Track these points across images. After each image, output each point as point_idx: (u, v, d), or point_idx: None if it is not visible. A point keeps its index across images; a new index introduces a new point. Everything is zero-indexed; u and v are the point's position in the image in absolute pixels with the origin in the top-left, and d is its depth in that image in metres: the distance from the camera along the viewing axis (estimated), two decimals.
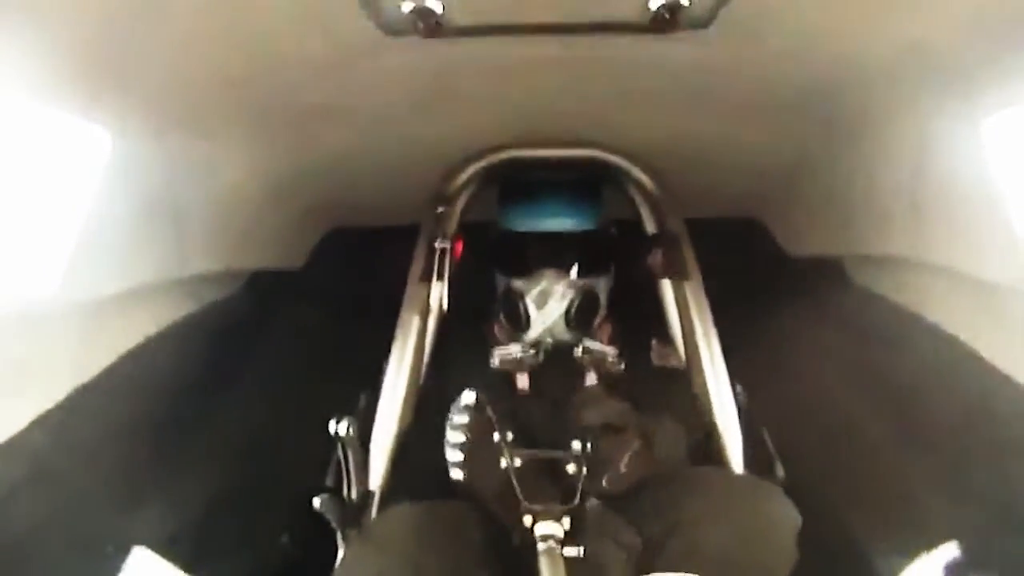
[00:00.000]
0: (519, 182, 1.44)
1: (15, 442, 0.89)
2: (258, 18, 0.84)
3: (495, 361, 1.32)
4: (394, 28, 0.85)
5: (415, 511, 1.05)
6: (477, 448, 1.03)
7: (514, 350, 1.32)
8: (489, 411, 1.04)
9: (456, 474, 1.03)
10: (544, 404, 1.28)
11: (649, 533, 1.00)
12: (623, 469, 1.06)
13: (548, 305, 1.29)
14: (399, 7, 0.80)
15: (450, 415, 1.05)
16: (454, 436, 1.03)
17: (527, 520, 0.96)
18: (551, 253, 1.33)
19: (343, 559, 1.05)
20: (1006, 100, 0.87)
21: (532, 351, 1.31)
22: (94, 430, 1.05)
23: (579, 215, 1.36)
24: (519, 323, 1.32)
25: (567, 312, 1.30)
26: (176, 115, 1.04)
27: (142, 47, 0.85)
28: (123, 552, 1.00)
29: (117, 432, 1.11)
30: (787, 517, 0.99)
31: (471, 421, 1.03)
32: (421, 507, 1.06)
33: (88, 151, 0.94)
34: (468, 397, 1.05)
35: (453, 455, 1.03)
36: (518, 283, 1.33)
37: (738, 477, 1.19)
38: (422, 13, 0.81)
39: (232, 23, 0.84)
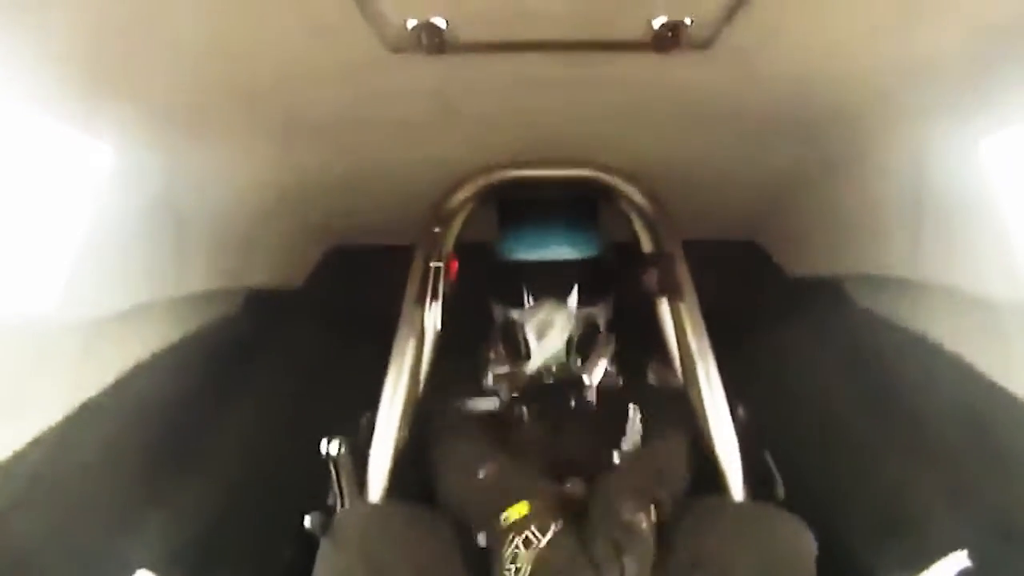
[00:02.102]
0: (518, 211, 1.44)
1: (14, 461, 0.88)
2: (261, 32, 0.84)
3: (488, 380, 1.31)
4: (398, 44, 0.85)
5: (380, 511, 1.06)
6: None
7: (507, 372, 1.30)
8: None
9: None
10: (540, 427, 1.26)
11: (668, 568, 0.98)
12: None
13: (548, 336, 1.26)
14: (403, 23, 0.80)
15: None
16: None
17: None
18: (551, 282, 1.31)
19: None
20: (1004, 120, 0.88)
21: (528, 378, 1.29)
22: (93, 451, 1.04)
23: (579, 243, 1.35)
24: (518, 353, 1.30)
25: (567, 343, 1.27)
26: (178, 128, 1.04)
27: (144, 58, 0.85)
28: (124, 573, 0.98)
29: (116, 453, 1.09)
30: (807, 546, 0.98)
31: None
32: (387, 507, 1.07)
33: (88, 164, 0.93)
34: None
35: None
36: (517, 313, 1.32)
37: (754, 506, 1.16)
38: (426, 29, 0.81)
39: (234, 37, 0.84)
